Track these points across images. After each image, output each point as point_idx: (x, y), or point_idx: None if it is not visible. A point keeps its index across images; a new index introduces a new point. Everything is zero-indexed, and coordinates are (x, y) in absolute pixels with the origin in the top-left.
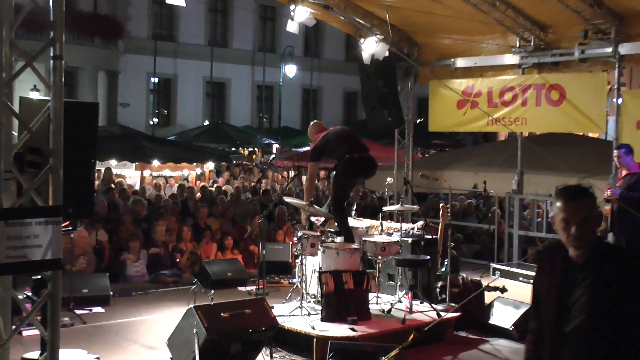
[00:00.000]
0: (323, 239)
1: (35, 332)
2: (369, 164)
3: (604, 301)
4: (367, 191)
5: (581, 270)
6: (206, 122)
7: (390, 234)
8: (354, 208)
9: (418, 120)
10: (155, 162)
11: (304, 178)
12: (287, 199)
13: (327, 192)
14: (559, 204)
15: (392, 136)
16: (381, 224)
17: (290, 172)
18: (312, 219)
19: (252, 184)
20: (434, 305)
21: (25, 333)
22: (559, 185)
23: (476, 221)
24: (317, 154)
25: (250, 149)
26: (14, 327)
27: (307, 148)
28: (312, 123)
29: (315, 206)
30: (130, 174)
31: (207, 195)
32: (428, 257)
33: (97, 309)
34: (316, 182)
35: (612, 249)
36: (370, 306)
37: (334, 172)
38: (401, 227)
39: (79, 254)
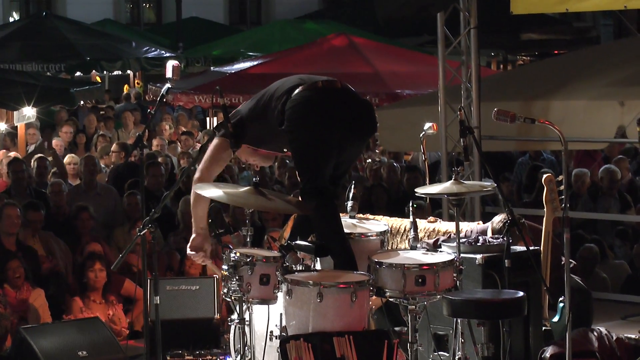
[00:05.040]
0: (286, 264)
1: None
2: (350, 101)
3: None
4: (376, 156)
5: None
6: (14, 17)
7: (434, 247)
8: (352, 193)
9: None
10: None
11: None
12: (205, 190)
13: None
14: None
15: (430, 29)
16: (413, 224)
17: (209, 119)
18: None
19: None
20: None
21: None
22: None
23: (623, 210)
24: (240, 128)
25: (117, 72)
26: None
27: (242, 65)
28: None
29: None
30: None
31: (20, 180)
32: (521, 293)
33: None
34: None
35: None
36: None
37: (284, 129)
38: (458, 230)
39: None
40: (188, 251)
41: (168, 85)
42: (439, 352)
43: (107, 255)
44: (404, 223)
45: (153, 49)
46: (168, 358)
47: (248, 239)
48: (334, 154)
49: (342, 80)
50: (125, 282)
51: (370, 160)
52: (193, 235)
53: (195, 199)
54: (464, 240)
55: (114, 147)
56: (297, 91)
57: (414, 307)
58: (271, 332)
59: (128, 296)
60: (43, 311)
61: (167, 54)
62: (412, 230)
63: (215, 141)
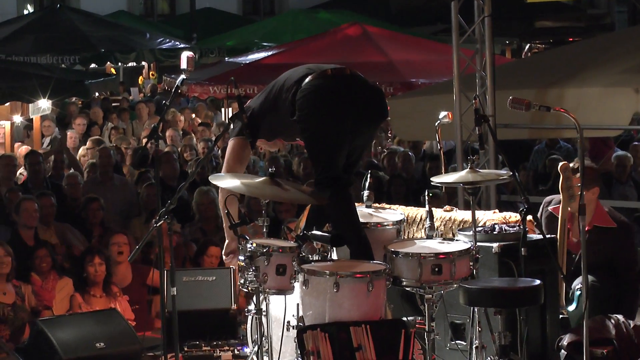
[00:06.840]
0: (302, 254)
1: None
2: (360, 87)
3: None
4: (390, 145)
5: None
6: (28, 10)
7: (449, 236)
8: (367, 183)
9: None
10: None
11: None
12: (219, 179)
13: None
14: None
15: (444, 18)
16: (429, 213)
17: (223, 109)
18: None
19: (142, 138)
20: None
21: None
22: None
23: None
24: (252, 123)
25: (131, 64)
26: None
27: (256, 55)
28: None
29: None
30: None
31: (37, 173)
32: (537, 281)
33: None
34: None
35: None
36: None
37: (296, 119)
38: (474, 220)
39: None
40: (224, 257)
41: (183, 76)
42: (456, 341)
43: (131, 247)
44: (420, 212)
45: (167, 40)
46: (185, 349)
47: (264, 230)
48: (347, 142)
49: (353, 69)
50: (150, 271)
51: (386, 150)
52: (227, 241)
53: (227, 202)
54: (481, 229)
55: (88, 143)
56: (306, 80)
57: (430, 296)
58: (288, 322)
59: (155, 286)
60: (68, 301)
61: (181, 45)
62: (427, 219)
63: (232, 142)
